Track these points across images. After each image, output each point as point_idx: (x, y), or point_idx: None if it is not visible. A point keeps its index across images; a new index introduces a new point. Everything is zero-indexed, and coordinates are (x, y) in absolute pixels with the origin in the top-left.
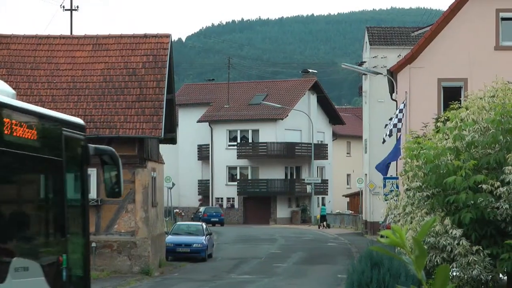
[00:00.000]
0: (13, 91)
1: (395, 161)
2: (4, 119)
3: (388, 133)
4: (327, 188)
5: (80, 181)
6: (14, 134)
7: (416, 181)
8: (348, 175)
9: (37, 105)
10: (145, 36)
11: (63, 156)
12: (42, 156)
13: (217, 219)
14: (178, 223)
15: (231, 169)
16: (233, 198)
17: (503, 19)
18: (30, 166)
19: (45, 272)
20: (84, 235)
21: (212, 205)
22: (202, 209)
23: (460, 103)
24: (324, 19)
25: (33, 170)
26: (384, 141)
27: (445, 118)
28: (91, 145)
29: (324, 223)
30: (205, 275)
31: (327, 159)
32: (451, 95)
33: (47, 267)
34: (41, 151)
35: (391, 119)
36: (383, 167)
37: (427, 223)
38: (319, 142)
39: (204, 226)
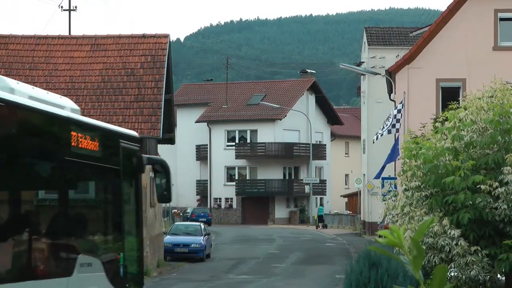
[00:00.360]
0: (78, 107)
1: (394, 162)
2: (72, 133)
3: (380, 133)
4: (325, 189)
5: (134, 188)
6: (80, 146)
7: (415, 181)
8: (346, 175)
9: None
10: (144, 36)
11: (120, 165)
12: (103, 165)
13: (205, 219)
14: (176, 223)
15: (229, 169)
16: (231, 198)
17: (502, 19)
18: (92, 174)
19: (105, 268)
20: (138, 235)
21: (210, 205)
22: (190, 209)
23: (459, 103)
24: (323, 19)
25: (95, 177)
26: (373, 141)
27: (444, 118)
28: (145, 155)
29: (321, 223)
30: (203, 275)
31: (325, 159)
32: (449, 95)
33: (107, 263)
34: (102, 161)
35: (389, 118)
36: (381, 171)
37: (425, 223)
38: (318, 143)
39: (202, 227)
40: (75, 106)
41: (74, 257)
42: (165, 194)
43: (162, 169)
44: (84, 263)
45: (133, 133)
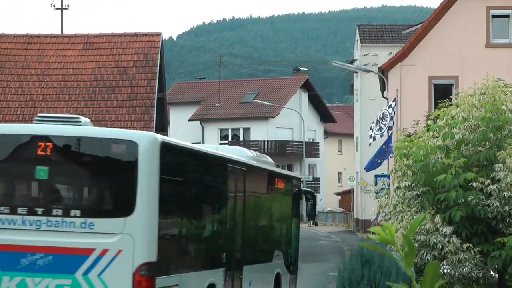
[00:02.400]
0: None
1: (387, 159)
2: (277, 180)
3: (374, 133)
4: (319, 186)
5: (296, 208)
6: (276, 186)
7: (406, 180)
8: (340, 173)
9: (27, 104)
10: (136, 35)
11: (292, 195)
12: (285, 196)
13: None
14: None
15: None
16: None
17: (494, 16)
18: (283, 201)
19: (284, 257)
20: (297, 236)
21: None
22: None
23: (451, 101)
24: (315, 17)
25: (284, 203)
26: (370, 143)
27: (435, 116)
28: (302, 188)
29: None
30: None
31: (318, 157)
32: (442, 92)
33: (285, 254)
34: (286, 193)
35: (381, 118)
36: (371, 165)
37: (416, 220)
38: (311, 140)
39: None
40: (271, 160)
41: (272, 250)
42: (310, 213)
43: (311, 197)
44: (276, 255)
45: (298, 175)
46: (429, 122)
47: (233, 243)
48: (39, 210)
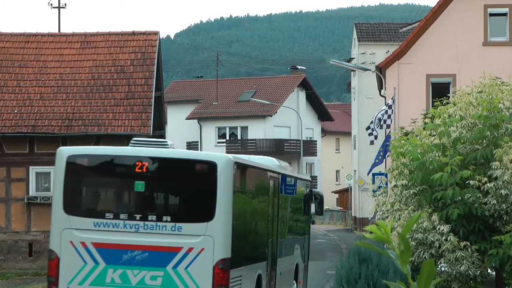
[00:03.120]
0: (287, 164)
1: (384, 158)
2: (298, 183)
3: (374, 131)
4: (316, 185)
5: (308, 207)
6: (298, 188)
7: (402, 179)
8: (337, 172)
9: (25, 102)
10: (133, 33)
11: (305, 196)
12: (301, 197)
13: None
14: None
15: None
16: None
17: (491, 14)
18: (302, 201)
19: (300, 250)
20: (309, 231)
21: None
22: None
23: (448, 99)
24: (313, 16)
25: (302, 202)
26: (372, 142)
27: (433, 114)
28: (313, 190)
29: None
30: None
31: (316, 155)
32: (439, 90)
33: (301, 247)
34: (302, 195)
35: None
36: (372, 168)
37: (412, 218)
38: (308, 139)
39: None
40: (290, 166)
41: (294, 244)
42: (318, 211)
43: (319, 197)
44: (296, 248)
45: (309, 177)
46: (426, 120)
47: (272, 240)
48: (137, 216)
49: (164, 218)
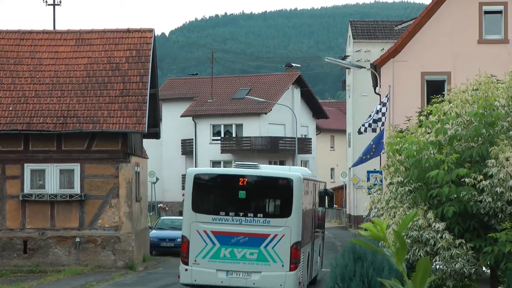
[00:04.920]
0: (310, 172)
1: (379, 155)
2: (317, 187)
3: (366, 125)
4: None
5: (325, 202)
6: (319, 189)
7: (398, 176)
8: (332, 169)
9: (20, 100)
10: (128, 30)
11: (324, 194)
12: (320, 194)
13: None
14: (162, 217)
15: (215, 163)
16: None
17: (486, 12)
18: (320, 200)
19: (321, 233)
20: (324, 219)
21: None
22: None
23: (444, 97)
24: (308, 13)
25: (322, 200)
26: (360, 132)
27: (428, 112)
28: (327, 189)
29: None
30: None
31: (310, 153)
32: (434, 88)
33: (321, 231)
34: (320, 193)
35: (377, 112)
36: (358, 162)
37: (408, 216)
38: (303, 136)
39: None
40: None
41: (319, 229)
42: (329, 205)
43: (330, 193)
44: (321, 232)
45: (324, 180)
46: (421, 118)
47: (313, 227)
48: (241, 214)
49: (258, 215)
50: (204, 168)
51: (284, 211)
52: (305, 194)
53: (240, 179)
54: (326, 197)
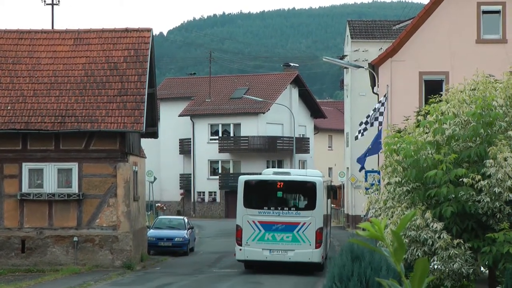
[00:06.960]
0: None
1: (377, 154)
2: (327, 185)
3: (363, 128)
4: None
5: (329, 195)
6: (327, 188)
7: (396, 176)
8: (330, 169)
9: (18, 99)
10: (127, 30)
11: (329, 189)
12: (330, 190)
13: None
14: (159, 217)
15: (212, 163)
16: (214, 192)
17: (484, 12)
18: (329, 194)
19: (331, 218)
20: (331, 209)
21: (193, 199)
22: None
23: (441, 96)
24: (306, 13)
25: (328, 194)
26: (356, 138)
27: (425, 112)
28: (332, 185)
29: None
30: (187, 269)
31: (308, 152)
32: (432, 88)
33: (330, 219)
34: (329, 189)
35: (374, 110)
36: (362, 159)
37: (407, 216)
38: (301, 136)
39: (186, 220)
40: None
41: (328, 217)
42: (334, 196)
43: (334, 188)
44: (329, 221)
45: (329, 178)
46: (419, 117)
47: (327, 216)
48: (279, 208)
49: (291, 208)
50: (252, 175)
51: (310, 205)
52: (323, 192)
53: (278, 183)
54: (331, 192)
